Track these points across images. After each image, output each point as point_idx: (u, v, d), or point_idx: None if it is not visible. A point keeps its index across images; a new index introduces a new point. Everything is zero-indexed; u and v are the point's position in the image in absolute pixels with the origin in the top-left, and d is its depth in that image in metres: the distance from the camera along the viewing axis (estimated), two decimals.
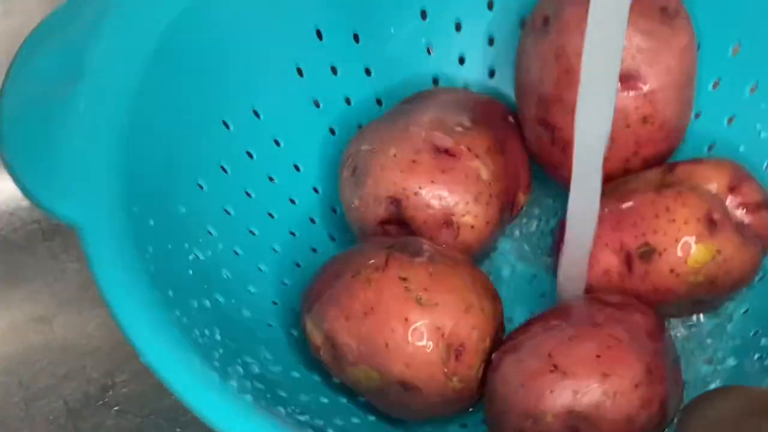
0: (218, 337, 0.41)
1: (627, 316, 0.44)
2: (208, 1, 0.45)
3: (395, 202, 0.47)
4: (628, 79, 0.46)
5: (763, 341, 0.47)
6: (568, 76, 0.46)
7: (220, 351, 0.40)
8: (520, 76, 0.50)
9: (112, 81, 0.41)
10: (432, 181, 0.46)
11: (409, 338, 0.42)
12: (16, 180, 0.38)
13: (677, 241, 0.45)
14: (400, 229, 0.48)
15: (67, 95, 0.39)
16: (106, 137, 0.39)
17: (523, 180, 0.51)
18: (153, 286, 0.37)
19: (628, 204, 0.46)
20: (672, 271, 0.45)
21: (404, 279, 0.43)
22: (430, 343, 0.42)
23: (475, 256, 0.49)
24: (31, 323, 0.53)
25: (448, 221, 0.47)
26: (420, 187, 0.46)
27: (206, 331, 0.40)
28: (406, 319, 0.42)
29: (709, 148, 0.52)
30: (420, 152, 0.47)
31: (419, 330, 0.42)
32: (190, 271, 0.43)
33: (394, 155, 0.47)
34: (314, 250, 0.51)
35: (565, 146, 0.48)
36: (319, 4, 0.50)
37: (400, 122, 0.48)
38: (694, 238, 0.45)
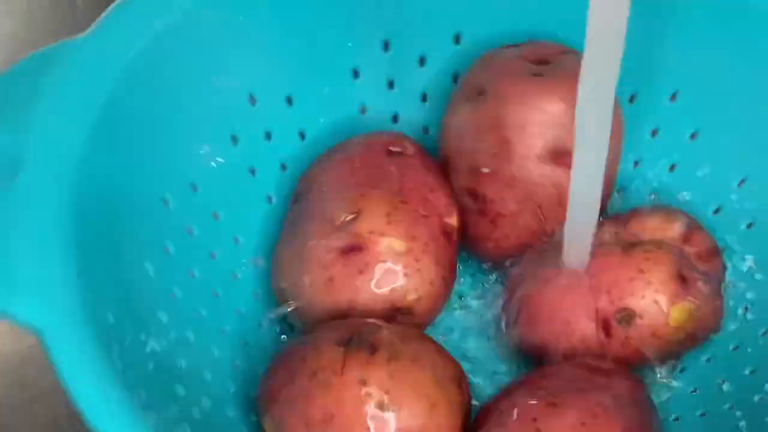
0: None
1: (612, 382, 0.44)
2: (141, 76, 0.44)
3: (341, 313, 0.46)
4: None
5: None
6: (505, 148, 0.46)
7: None
8: (450, 142, 0.50)
9: (51, 167, 0.39)
10: (359, 290, 0.46)
11: None
12: None
13: (656, 302, 0.45)
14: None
15: (9, 189, 0.39)
16: (52, 231, 0.38)
17: (444, 203, 0.49)
18: (125, 390, 0.36)
19: (597, 267, 0.46)
20: (653, 333, 0.45)
21: (364, 382, 0.41)
22: None
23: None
24: None
25: (396, 309, 0.47)
26: (350, 301, 0.46)
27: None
28: (369, 429, 0.41)
29: (652, 195, 0.53)
30: (328, 267, 0.46)
31: None
32: (151, 366, 0.42)
33: (310, 285, 0.46)
34: (260, 325, 0.51)
35: (495, 218, 0.49)
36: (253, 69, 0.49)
37: (295, 244, 0.47)
38: (671, 298, 0.45)
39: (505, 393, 0.45)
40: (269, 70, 0.50)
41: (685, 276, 0.45)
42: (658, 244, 0.46)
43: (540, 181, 0.47)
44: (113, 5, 0.44)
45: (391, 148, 0.50)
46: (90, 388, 0.35)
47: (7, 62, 0.41)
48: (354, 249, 0.46)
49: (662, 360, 0.47)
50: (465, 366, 0.47)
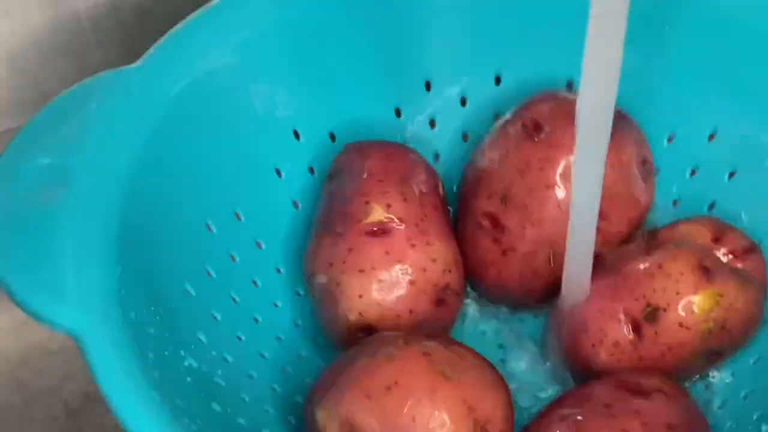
0: None
1: (646, 405, 0.43)
2: (190, 106, 0.46)
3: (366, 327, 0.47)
4: None
5: None
6: (547, 190, 0.48)
7: None
8: (482, 164, 0.50)
9: (99, 186, 0.41)
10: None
11: (436, 412, 0.41)
12: (9, 292, 0.38)
13: (678, 293, 0.45)
14: None
15: (55, 202, 0.40)
16: (96, 244, 0.40)
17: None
18: (159, 394, 0.37)
19: (619, 271, 0.47)
20: (681, 324, 0.45)
21: (427, 354, 0.42)
22: (457, 416, 0.41)
23: None
24: (31, 323, 0.48)
25: (440, 299, 0.48)
26: None
27: None
28: (434, 390, 0.41)
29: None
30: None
31: (446, 402, 0.41)
32: (188, 379, 0.43)
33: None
34: (300, 356, 0.51)
35: (506, 251, 0.49)
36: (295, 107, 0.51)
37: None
38: (693, 287, 0.45)
39: (542, 415, 0.45)
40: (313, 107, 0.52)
41: (709, 267, 0.45)
42: (679, 243, 0.47)
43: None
44: (167, 35, 0.46)
45: None
46: (123, 388, 0.37)
47: (6, 61, 0.44)
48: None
49: (701, 361, 0.47)
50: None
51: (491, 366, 0.45)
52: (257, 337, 0.49)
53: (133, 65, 0.45)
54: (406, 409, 0.41)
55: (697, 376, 0.49)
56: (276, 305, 0.52)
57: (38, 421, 0.52)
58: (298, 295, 0.52)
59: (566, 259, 0.45)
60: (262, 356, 0.49)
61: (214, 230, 0.48)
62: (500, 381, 0.44)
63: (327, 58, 0.51)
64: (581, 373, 0.48)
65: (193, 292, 0.46)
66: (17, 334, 0.54)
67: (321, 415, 0.43)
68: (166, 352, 0.42)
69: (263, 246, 0.51)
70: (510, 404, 0.44)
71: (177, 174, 0.46)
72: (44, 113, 0.44)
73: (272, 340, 0.50)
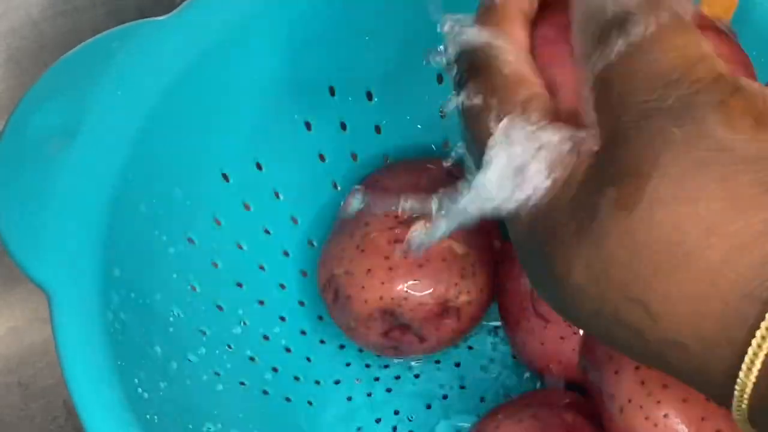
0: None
1: None
2: (211, 59, 0.44)
3: (390, 312, 0.47)
4: None
5: None
6: None
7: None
8: None
9: (106, 140, 0.41)
10: (415, 280, 0.47)
11: None
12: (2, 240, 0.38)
13: None
14: (403, 331, 0.48)
15: (61, 153, 0.40)
16: (93, 202, 0.40)
17: (493, 227, 0.50)
18: (113, 356, 0.37)
19: None
20: None
21: None
22: None
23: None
24: (31, 323, 0.54)
25: (446, 309, 0.48)
26: (407, 290, 0.47)
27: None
28: None
29: None
30: (391, 257, 0.47)
31: None
32: (171, 329, 0.43)
33: (368, 270, 0.47)
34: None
35: None
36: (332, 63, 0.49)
37: (356, 234, 0.48)
38: None
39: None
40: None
41: None
42: None
43: None
44: None
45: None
46: (76, 351, 0.38)
47: (5, 61, 0.44)
48: None
49: None
50: None
51: None
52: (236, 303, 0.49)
53: (163, 17, 0.44)
54: None
55: None
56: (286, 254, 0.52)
57: (38, 421, 0.53)
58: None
59: None
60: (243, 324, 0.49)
61: (231, 180, 0.48)
62: None
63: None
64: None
65: (196, 241, 0.46)
66: (17, 334, 0.55)
67: None
68: (148, 300, 0.42)
69: (280, 197, 0.51)
70: None
71: (192, 127, 0.45)
72: (67, 59, 0.43)
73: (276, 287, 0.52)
